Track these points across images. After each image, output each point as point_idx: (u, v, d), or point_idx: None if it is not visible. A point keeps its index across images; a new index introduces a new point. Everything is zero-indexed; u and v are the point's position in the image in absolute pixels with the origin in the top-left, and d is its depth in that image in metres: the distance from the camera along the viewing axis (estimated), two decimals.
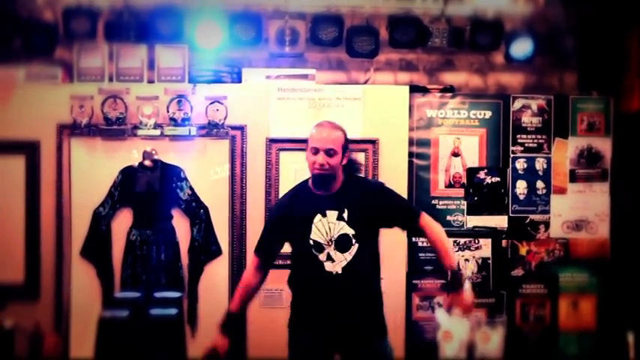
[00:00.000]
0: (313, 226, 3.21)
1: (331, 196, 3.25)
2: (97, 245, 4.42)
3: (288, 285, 3.41)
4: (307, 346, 3.26)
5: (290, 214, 3.31)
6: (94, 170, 4.43)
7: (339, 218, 3.21)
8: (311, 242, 3.21)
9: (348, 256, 3.20)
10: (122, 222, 4.44)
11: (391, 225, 3.36)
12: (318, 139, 3.21)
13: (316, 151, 3.19)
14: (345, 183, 3.30)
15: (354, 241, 3.20)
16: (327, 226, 3.21)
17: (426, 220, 3.34)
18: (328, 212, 3.22)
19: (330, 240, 3.20)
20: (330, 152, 3.17)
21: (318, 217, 3.22)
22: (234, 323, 3.38)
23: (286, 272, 4.42)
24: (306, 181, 3.35)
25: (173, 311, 2.35)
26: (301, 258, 3.30)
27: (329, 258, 3.20)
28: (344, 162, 3.27)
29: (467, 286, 3.05)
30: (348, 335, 3.20)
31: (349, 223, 3.21)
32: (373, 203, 3.25)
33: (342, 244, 3.20)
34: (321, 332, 3.23)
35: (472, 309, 3.03)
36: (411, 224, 3.37)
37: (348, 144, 3.29)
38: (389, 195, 3.37)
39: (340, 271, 3.19)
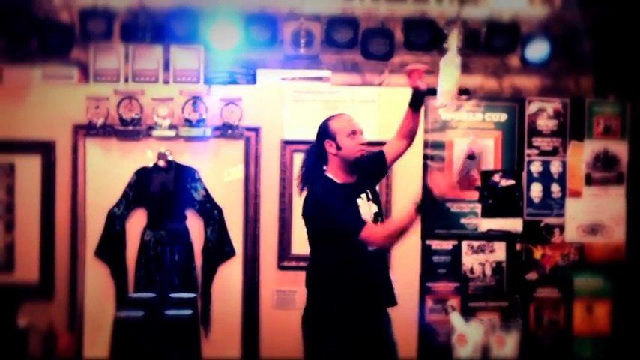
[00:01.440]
0: (360, 209, 3.24)
1: (354, 183, 3.32)
2: (111, 245, 4.44)
3: (323, 279, 3.36)
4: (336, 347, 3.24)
5: (340, 193, 3.26)
6: (109, 171, 4.46)
7: (369, 199, 3.31)
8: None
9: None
10: (136, 222, 4.46)
11: (381, 174, 3.61)
12: (351, 121, 3.33)
13: (354, 133, 3.27)
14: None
15: (380, 218, 3.33)
16: (366, 206, 3.28)
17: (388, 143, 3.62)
18: (362, 195, 3.30)
19: (370, 218, 3.25)
20: (362, 132, 3.31)
21: (358, 199, 3.28)
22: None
23: (300, 274, 4.45)
24: (321, 179, 3.32)
25: (187, 312, 2.35)
26: (349, 245, 3.21)
27: None
28: None
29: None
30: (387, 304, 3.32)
31: (374, 201, 3.33)
32: (372, 175, 3.45)
33: (377, 221, 3.29)
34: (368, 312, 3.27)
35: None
36: (384, 155, 3.55)
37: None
38: (370, 158, 3.45)
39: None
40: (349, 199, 3.25)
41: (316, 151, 3.38)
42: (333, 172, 3.32)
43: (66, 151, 4.45)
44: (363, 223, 3.16)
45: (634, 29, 4.58)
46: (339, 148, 3.28)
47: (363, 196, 3.30)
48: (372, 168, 3.43)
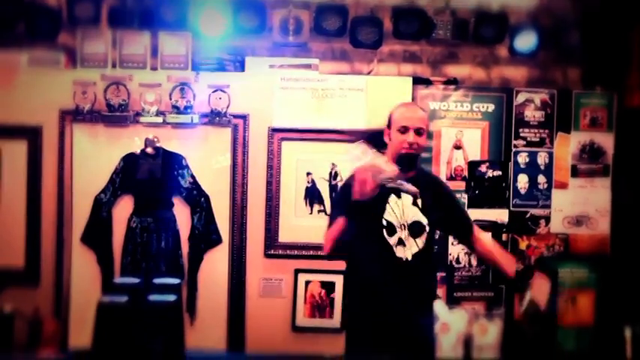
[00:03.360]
0: (388, 206, 3.13)
1: (407, 180, 3.07)
2: (97, 232, 4.43)
3: (347, 278, 3.35)
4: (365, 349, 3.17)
5: None
6: (96, 156, 4.43)
7: (414, 203, 3.15)
8: (384, 222, 3.13)
9: (420, 243, 3.13)
10: (123, 209, 4.45)
11: (447, 229, 3.36)
12: (408, 117, 3.17)
13: (405, 130, 3.13)
14: (420, 171, 3.29)
15: (427, 229, 3.14)
16: (401, 208, 3.14)
17: (477, 231, 3.30)
18: (403, 195, 3.12)
19: (404, 224, 3.13)
20: (419, 131, 3.14)
21: (394, 197, 3.14)
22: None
23: (287, 262, 4.50)
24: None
25: (172, 297, 2.35)
26: (370, 241, 3.13)
27: (400, 242, 3.12)
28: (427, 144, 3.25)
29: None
30: (405, 328, 3.09)
31: (422, 210, 3.15)
32: (441, 200, 3.19)
33: (416, 230, 3.12)
34: (381, 329, 3.12)
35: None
36: (466, 234, 3.32)
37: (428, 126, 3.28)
38: (454, 199, 3.37)
39: (410, 258, 3.12)
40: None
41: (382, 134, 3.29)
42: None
43: (52, 136, 4.42)
44: (333, 219, 3.04)
45: (622, 22, 4.59)
46: (390, 139, 3.22)
47: (405, 196, 3.12)
48: (446, 209, 3.22)
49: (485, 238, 3.31)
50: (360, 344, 3.20)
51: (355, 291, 3.30)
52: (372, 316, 3.15)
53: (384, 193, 3.06)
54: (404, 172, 3.10)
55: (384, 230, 3.12)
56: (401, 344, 3.09)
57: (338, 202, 3.40)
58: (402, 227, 3.14)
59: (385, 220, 3.13)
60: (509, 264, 3.20)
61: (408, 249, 3.13)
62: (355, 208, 2.93)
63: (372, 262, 3.15)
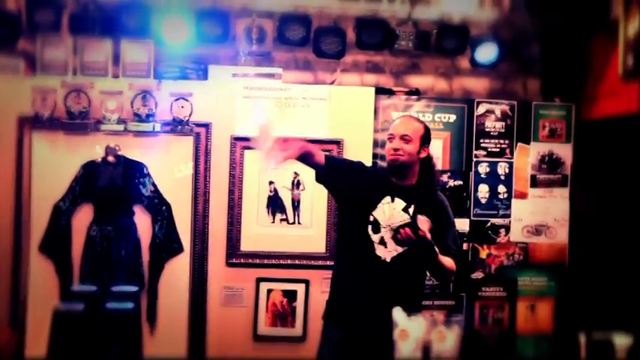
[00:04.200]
0: (379, 205, 3.22)
1: (404, 188, 3.27)
2: (56, 240, 4.36)
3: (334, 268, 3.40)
4: (338, 342, 3.24)
5: (367, 180, 3.32)
6: (56, 164, 4.37)
7: (405, 210, 3.22)
8: (371, 218, 3.20)
9: (400, 248, 3.18)
10: (83, 217, 4.39)
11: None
12: (394, 126, 3.31)
13: (392, 138, 3.25)
14: (420, 183, 3.33)
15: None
16: (391, 211, 3.21)
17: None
18: (397, 200, 3.23)
19: (389, 226, 3.19)
20: (404, 137, 3.22)
21: (387, 199, 3.24)
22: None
23: (249, 271, 4.48)
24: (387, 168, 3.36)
25: (129, 305, 2.33)
26: (354, 235, 3.25)
27: (382, 242, 3.19)
28: (422, 154, 3.29)
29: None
30: (378, 331, 2.97)
31: (412, 218, 3.16)
32: (434, 218, 3.15)
33: (398, 232, 3.12)
34: (354, 323, 3.20)
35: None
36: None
37: (428, 138, 3.33)
38: (448, 224, 3.35)
39: (389, 260, 3.19)
40: (367, 186, 3.26)
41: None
42: None
43: (10, 143, 4.34)
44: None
45: (580, 35, 4.68)
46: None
47: (398, 201, 3.23)
48: (435, 230, 3.12)
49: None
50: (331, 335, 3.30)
51: (334, 281, 3.39)
52: (342, 309, 3.26)
53: (380, 192, 3.22)
54: (396, 179, 3.26)
55: (370, 226, 3.20)
56: (365, 344, 3.15)
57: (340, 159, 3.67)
58: (387, 228, 3.21)
59: (373, 216, 3.21)
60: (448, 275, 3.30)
61: (389, 251, 3.20)
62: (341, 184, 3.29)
63: (353, 254, 3.26)
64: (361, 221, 3.23)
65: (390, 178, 3.31)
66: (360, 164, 3.44)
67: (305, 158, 3.27)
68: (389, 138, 3.28)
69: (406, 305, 2.92)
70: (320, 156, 3.32)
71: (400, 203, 3.23)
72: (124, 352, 2.28)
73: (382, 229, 3.21)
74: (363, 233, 3.22)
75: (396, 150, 3.22)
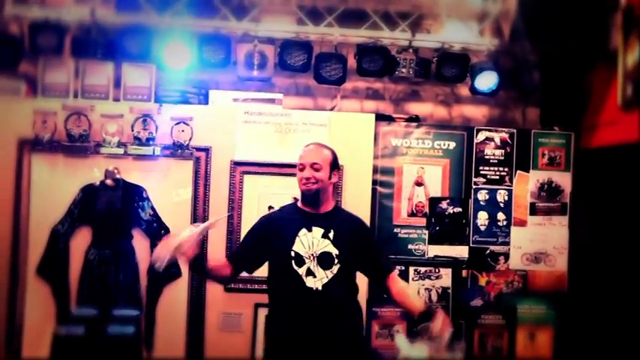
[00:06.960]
0: (297, 239, 3.24)
1: (320, 216, 3.30)
2: (54, 264, 4.33)
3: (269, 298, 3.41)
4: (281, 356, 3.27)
5: (274, 227, 3.34)
6: (55, 187, 4.36)
7: (324, 236, 3.25)
8: (292, 254, 3.22)
9: (330, 274, 3.21)
10: (81, 241, 4.37)
11: (361, 268, 3.38)
12: (303, 156, 3.33)
13: (302, 168, 3.28)
14: (335, 209, 3.40)
15: (336, 260, 3.22)
16: (311, 240, 3.24)
17: (394, 278, 3.38)
18: (314, 228, 3.26)
19: (312, 255, 3.22)
20: (314, 166, 3.26)
21: (304, 231, 3.26)
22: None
23: (247, 296, 4.45)
24: (296, 201, 3.42)
25: (130, 329, 2.31)
26: (281, 272, 3.27)
27: (310, 273, 3.20)
28: (333, 180, 3.33)
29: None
30: (324, 354, 3.19)
31: (334, 242, 3.24)
32: (356, 237, 3.31)
33: (325, 261, 3.22)
34: (297, 346, 3.22)
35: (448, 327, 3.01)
36: (380, 278, 3.40)
37: (337, 163, 3.38)
38: (372, 242, 3.47)
39: (321, 288, 3.20)
40: (276, 231, 3.29)
41: None
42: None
43: (10, 165, 4.33)
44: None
45: (579, 65, 4.71)
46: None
47: (316, 229, 3.26)
48: (362, 249, 3.32)
49: (400, 284, 3.40)
50: None
51: (271, 320, 3.41)
52: (286, 344, 3.25)
53: (294, 227, 3.26)
54: (311, 208, 3.30)
55: (293, 261, 3.22)
56: None
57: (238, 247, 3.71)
58: (311, 258, 3.22)
59: (293, 251, 3.23)
60: (416, 307, 3.25)
61: (319, 280, 3.21)
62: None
63: (284, 291, 3.28)
64: (284, 259, 3.24)
65: (301, 210, 3.33)
66: (258, 223, 3.44)
67: (209, 274, 3.46)
68: (300, 169, 3.30)
69: (346, 327, 3.20)
70: (224, 268, 3.37)
71: (319, 231, 3.26)
72: None
73: (306, 261, 3.22)
74: (288, 269, 3.23)
75: (307, 179, 3.26)
